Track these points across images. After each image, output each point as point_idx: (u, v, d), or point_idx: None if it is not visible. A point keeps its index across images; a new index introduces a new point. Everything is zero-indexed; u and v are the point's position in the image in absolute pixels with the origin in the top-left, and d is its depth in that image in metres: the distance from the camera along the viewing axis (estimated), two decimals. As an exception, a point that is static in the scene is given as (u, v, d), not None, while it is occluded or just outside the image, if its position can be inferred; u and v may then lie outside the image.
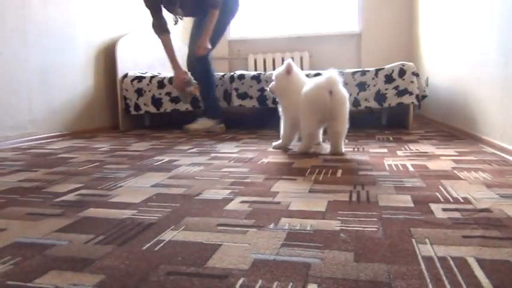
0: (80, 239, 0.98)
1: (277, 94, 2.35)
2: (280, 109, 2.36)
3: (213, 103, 3.31)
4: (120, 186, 1.50)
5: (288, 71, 2.26)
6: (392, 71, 3.20)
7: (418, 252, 0.87)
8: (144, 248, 0.92)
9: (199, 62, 3.18)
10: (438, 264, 0.81)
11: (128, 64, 3.74)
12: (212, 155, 2.18)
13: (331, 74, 2.03)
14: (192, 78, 3.11)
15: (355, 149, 2.27)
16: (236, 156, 2.14)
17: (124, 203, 1.29)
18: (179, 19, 3.15)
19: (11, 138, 2.66)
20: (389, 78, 3.19)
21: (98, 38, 3.49)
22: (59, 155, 2.27)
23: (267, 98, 3.52)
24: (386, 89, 3.19)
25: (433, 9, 3.77)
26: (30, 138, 2.79)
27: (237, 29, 5.25)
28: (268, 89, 2.40)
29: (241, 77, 3.53)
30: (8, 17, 2.62)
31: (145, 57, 4.04)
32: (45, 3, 2.92)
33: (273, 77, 2.34)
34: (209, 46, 3.13)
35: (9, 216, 1.18)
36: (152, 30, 3.08)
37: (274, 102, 3.49)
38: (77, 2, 3.22)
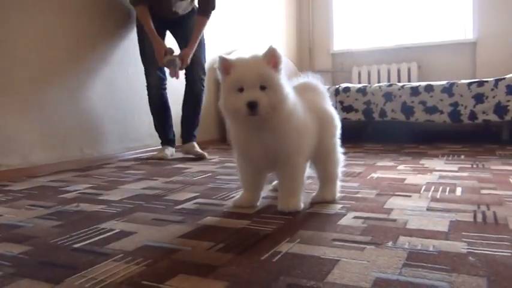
0: (202, 246, 1.04)
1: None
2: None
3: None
4: (233, 197, 1.56)
5: (277, 63, 1.25)
6: (516, 81, 2.93)
7: None
8: (262, 258, 0.94)
9: (201, 79, 2.88)
10: None
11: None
12: (319, 168, 2.17)
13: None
14: (177, 58, 2.65)
15: (474, 166, 2.11)
16: (344, 170, 2.10)
17: (238, 213, 1.34)
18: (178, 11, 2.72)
19: (133, 149, 2.92)
20: (511, 89, 2.92)
21: (207, 56, 3.68)
22: (175, 165, 2.42)
23: (373, 111, 3.42)
24: (508, 101, 2.93)
25: None
26: (148, 149, 3.02)
27: (340, 41, 5.20)
28: (252, 105, 1.17)
29: (347, 89, 3.49)
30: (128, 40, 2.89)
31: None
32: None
33: (247, 81, 1.21)
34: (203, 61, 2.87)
35: (137, 221, 1.28)
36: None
37: (382, 115, 3.38)
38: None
